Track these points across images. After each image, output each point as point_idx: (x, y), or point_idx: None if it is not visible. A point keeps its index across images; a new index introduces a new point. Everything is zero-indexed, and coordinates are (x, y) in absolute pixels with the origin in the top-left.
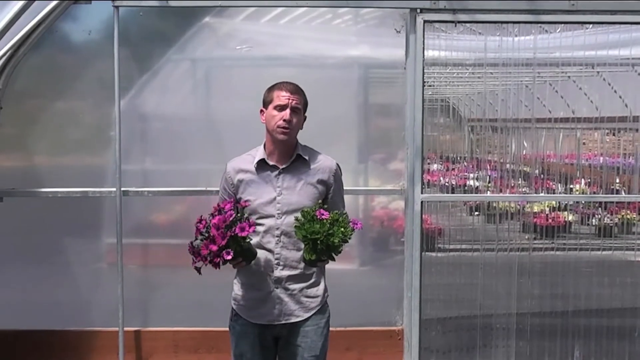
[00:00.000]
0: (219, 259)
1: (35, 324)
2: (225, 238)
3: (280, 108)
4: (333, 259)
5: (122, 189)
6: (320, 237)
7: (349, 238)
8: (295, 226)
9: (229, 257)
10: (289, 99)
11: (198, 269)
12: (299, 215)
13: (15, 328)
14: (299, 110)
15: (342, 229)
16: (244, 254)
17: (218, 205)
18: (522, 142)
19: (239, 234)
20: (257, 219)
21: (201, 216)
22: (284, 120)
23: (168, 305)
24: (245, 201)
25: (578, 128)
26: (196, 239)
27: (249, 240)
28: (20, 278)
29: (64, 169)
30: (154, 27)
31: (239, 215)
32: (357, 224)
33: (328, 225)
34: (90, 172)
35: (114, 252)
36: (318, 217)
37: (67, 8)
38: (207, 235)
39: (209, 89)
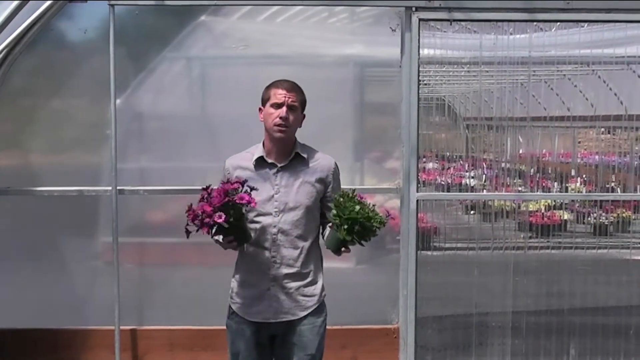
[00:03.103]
0: (209, 220)
1: (31, 322)
2: (222, 202)
3: (277, 106)
4: (362, 245)
5: (118, 187)
6: (361, 218)
7: (385, 225)
8: (335, 205)
9: (221, 220)
10: (285, 97)
11: (187, 232)
12: (300, 212)
13: (11, 327)
14: (296, 107)
15: (380, 215)
16: (236, 231)
17: (227, 179)
18: (518, 141)
19: (237, 202)
20: (255, 216)
21: (208, 185)
22: (281, 118)
23: (164, 303)
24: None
25: (574, 127)
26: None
27: (245, 218)
28: (16, 277)
29: (60, 167)
30: (150, 26)
31: (242, 189)
32: (390, 214)
33: (368, 207)
34: (86, 170)
35: (110, 251)
36: (359, 198)
37: (62, 6)
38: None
39: (205, 87)
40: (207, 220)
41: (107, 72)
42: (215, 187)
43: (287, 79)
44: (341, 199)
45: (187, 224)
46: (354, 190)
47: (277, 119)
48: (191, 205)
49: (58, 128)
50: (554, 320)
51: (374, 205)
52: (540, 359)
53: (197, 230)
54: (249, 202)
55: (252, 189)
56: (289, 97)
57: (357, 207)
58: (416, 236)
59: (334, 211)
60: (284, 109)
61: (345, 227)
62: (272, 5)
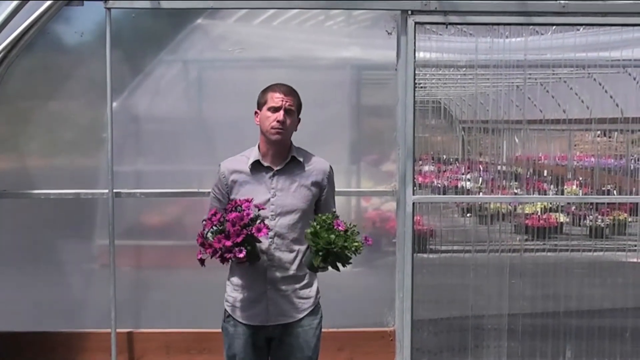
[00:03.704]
0: (230, 255)
1: (28, 325)
2: (241, 236)
3: (274, 109)
4: (338, 270)
5: (115, 190)
6: (335, 248)
7: (360, 252)
8: (311, 232)
9: (242, 255)
10: (282, 101)
11: (202, 261)
12: (296, 216)
13: (8, 330)
14: (293, 112)
15: (356, 244)
16: (251, 255)
17: (235, 201)
18: (514, 143)
19: (256, 234)
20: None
21: (215, 209)
22: (278, 122)
23: (160, 306)
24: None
25: (570, 129)
26: (204, 229)
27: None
28: (13, 279)
29: (57, 170)
30: (147, 29)
31: (256, 214)
32: (368, 241)
33: (344, 237)
34: (82, 173)
35: (107, 254)
36: (335, 227)
37: (59, 10)
38: (220, 229)
39: (202, 90)
40: (227, 255)
41: (104, 75)
42: (220, 213)
43: (284, 82)
44: (318, 227)
45: (200, 252)
46: (333, 214)
47: (275, 122)
48: (203, 235)
49: (55, 131)
50: (550, 322)
51: (354, 226)
52: None
53: (212, 258)
54: (265, 230)
55: (259, 208)
56: (286, 101)
57: (333, 237)
58: (412, 239)
59: (310, 237)
60: (281, 112)
61: (321, 254)
62: (269, 8)
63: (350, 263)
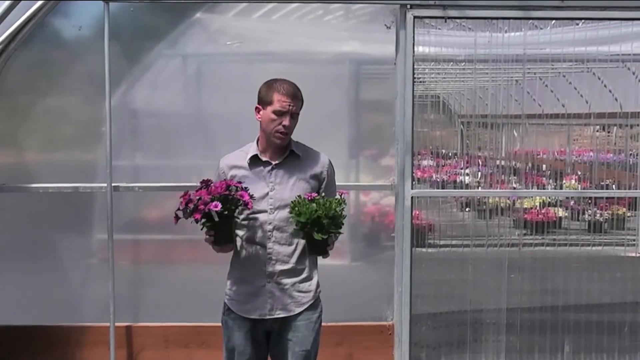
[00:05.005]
0: (203, 207)
1: (26, 319)
2: (222, 192)
3: (280, 113)
4: (340, 229)
5: (113, 184)
6: (322, 212)
7: (345, 203)
8: (293, 217)
9: (217, 209)
10: (290, 106)
11: (177, 218)
12: (289, 212)
13: (6, 324)
14: (297, 114)
15: (335, 200)
16: (223, 228)
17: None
18: (513, 138)
19: (237, 197)
20: (250, 214)
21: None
22: (283, 126)
23: (159, 300)
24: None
25: (569, 124)
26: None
27: (237, 219)
28: (11, 274)
29: (55, 164)
30: (145, 23)
31: (242, 187)
32: (343, 192)
33: (320, 201)
34: (81, 167)
35: (105, 248)
36: (309, 198)
37: (57, 4)
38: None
39: (200, 84)
40: (201, 207)
41: (102, 70)
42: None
43: (283, 77)
44: (295, 208)
45: (178, 209)
46: (299, 197)
47: (279, 126)
48: (187, 191)
49: (53, 125)
50: (548, 317)
51: (323, 195)
52: (535, 356)
53: (187, 218)
54: (246, 204)
55: (251, 196)
56: (292, 105)
57: (313, 205)
58: (411, 233)
59: (296, 225)
60: (287, 117)
61: (316, 228)
62: (268, 2)
63: (344, 216)
